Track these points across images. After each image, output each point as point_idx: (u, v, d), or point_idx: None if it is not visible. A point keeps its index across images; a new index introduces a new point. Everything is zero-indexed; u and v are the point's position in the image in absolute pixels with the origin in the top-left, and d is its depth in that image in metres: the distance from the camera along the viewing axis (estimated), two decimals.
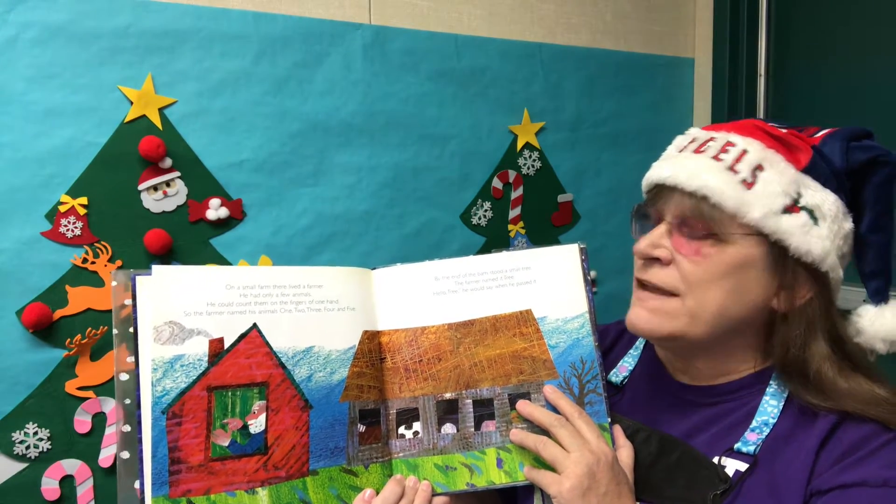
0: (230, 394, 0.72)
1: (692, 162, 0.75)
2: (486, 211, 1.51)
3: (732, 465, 0.72)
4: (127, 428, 0.70)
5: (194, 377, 0.71)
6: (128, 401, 0.70)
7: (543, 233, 1.59)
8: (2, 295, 1.08)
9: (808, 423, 0.72)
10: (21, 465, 1.10)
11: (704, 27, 1.75)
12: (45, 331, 1.10)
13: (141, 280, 0.71)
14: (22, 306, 1.09)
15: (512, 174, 1.53)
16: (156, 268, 0.72)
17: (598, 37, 1.63)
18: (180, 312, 0.72)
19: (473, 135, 1.48)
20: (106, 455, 1.15)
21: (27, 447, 1.10)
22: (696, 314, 0.73)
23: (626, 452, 0.75)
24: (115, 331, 0.72)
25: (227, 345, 0.73)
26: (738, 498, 0.70)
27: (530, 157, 1.55)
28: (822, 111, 1.58)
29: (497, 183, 1.52)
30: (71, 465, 1.13)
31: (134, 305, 0.71)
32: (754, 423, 0.74)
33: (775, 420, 0.73)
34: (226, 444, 0.71)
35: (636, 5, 1.68)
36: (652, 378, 0.87)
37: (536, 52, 1.54)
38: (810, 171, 0.74)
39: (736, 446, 0.73)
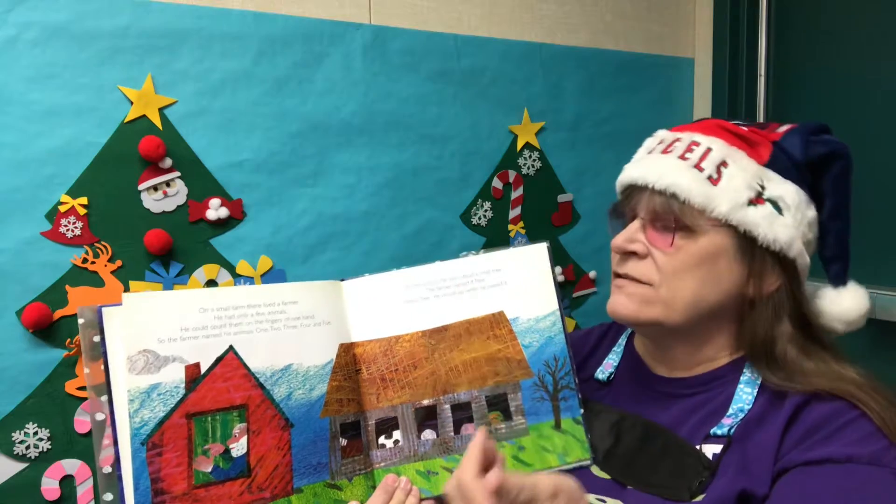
0: (210, 419, 0.71)
1: (660, 162, 0.80)
2: (486, 211, 1.51)
3: (710, 450, 0.75)
4: (108, 469, 0.69)
5: (172, 405, 0.70)
6: (107, 441, 0.69)
7: (543, 233, 1.59)
8: (2, 295, 1.08)
9: (777, 405, 0.74)
10: (21, 465, 1.10)
11: (704, 27, 1.75)
12: (45, 331, 1.10)
13: (108, 312, 0.70)
14: (22, 306, 1.09)
15: (512, 174, 1.53)
16: (126, 296, 0.71)
17: (598, 37, 1.63)
18: (154, 340, 0.70)
19: (473, 135, 1.48)
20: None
21: (27, 447, 1.10)
22: (670, 302, 0.77)
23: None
24: (86, 370, 0.69)
25: (203, 369, 0.72)
26: (713, 478, 0.72)
27: (530, 157, 1.55)
28: (822, 111, 1.58)
29: (497, 183, 1.52)
30: (71, 465, 1.13)
31: (102, 339, 0.69)
32: (730, 410, 0.77)
33: (750, 406, 0.76)
34: (208, 469, 0.70)
35: (636, 5, 1.68)
36: (633, 373, 0.90)
37: (536, 52, 1.54)
38: (772, 164, 0.79)
39: (712, 430, 0.76)
